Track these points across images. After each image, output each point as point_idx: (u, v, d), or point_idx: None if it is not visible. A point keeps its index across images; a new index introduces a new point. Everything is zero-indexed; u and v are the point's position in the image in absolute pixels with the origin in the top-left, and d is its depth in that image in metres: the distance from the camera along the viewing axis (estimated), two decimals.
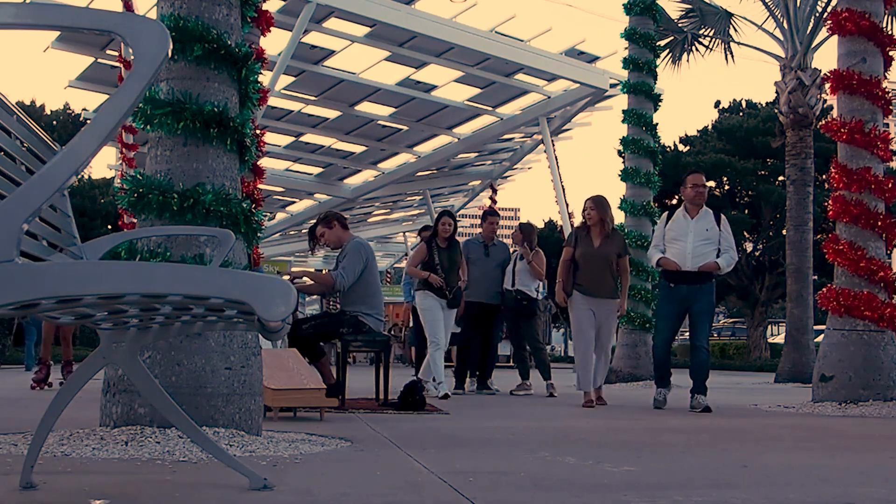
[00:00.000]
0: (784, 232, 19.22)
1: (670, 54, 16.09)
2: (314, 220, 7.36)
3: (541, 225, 37.62)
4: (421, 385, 6.73)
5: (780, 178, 25.81)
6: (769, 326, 32.83)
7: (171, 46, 2.21)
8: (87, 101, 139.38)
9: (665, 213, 7.44)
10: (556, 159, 21.04)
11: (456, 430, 4.99)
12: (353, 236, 7.07)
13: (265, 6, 6.78)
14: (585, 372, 7.56)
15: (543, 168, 22.17)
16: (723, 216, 7.30)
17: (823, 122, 8.28)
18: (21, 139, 2.49)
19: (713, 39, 16.18)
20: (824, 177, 19.74)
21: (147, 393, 2.71)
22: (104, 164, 28.87)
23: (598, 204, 7.74)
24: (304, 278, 7.50)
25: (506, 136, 22.76)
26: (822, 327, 7.66)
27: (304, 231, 30.59)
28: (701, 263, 6.95)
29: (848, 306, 7.06)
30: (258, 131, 6.20)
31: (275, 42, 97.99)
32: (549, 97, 20.21)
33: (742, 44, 16.13)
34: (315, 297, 22.19)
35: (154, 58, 1.87)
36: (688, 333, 7.91)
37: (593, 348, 7.62)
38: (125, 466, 3.16)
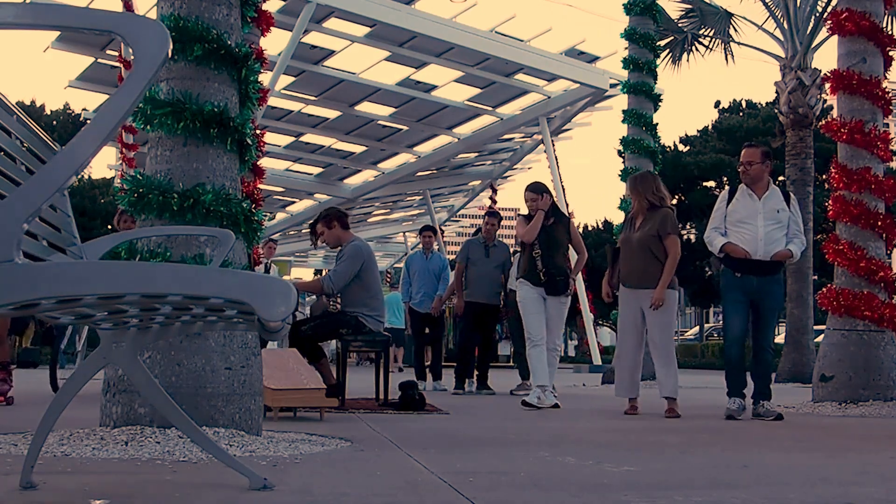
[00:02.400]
0: None
1: (670, 54, 16.11)
2: (318, 216, 7.34)
3: None
4: (416, 383, 6.74)
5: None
6: None
7: (171, 46, 2.21)
8: (87, 101, 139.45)
9: (726, 190, 6.53)
10: (556, 159, 21.06)
11: (456, 430, 4.98)
12: (353, 237, 7.05)
13: (265, 6, 6.79)
14: (620, 376, 6.67)
15: (543, 168, 22.26)
16: (792, 195, 6.44)
17: (823, 122, 8.28)
18: (21, 139, 2.49)
19: (713, 39, 16.19)
20: (824, 177, 19.76)
21: (147, 393, 2.71)
22: (104, 164, 28.93)
23: (633, 185, 6.72)
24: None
25: (506, 136, 22.78)
26: (822, 327, 7.66)
27: (304, 231, 30.64)
28: (773, 251, 6.15)
29: (848, 306, 7.06)
30: (258, 131, 6.20)
31: (275, 42, 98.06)
32: (549, 97, 20.22)
33: (742, 44, 16.15)
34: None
35: (154, 58, 1.87)
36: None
37: (636, 350, 6.58)
38: (125, 466, 3.16)
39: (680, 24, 16.16)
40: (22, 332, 18.93)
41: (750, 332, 6.33)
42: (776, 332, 6.39)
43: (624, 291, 6.60)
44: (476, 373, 9.68)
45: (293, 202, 28.30)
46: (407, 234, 35.78)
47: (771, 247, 6.14)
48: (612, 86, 18.40)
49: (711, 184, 31.90)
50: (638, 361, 6.61)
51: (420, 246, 10.82)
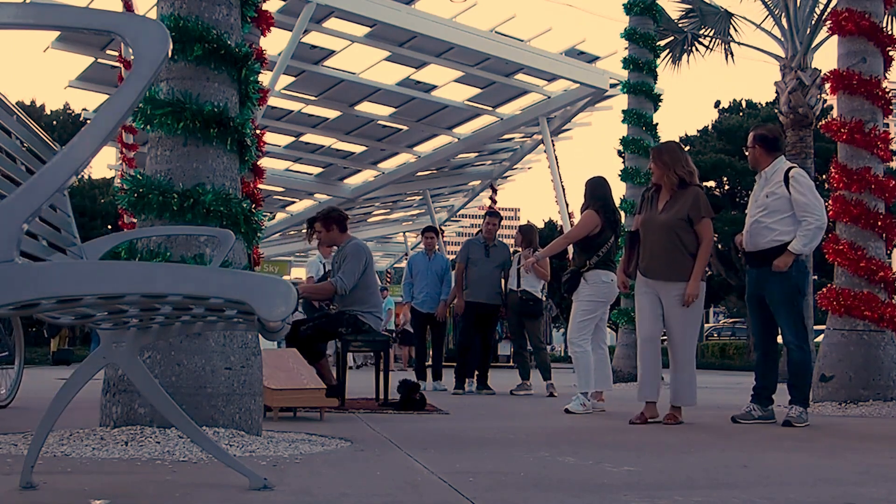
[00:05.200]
0: None
1: (670, 54, 16.09)
2: (318, 212, 7.46)
3: (541, 225, 37.65)
4: (416, 383, 6.74)
5: None
6: None
7: (171, 46, 2.21)
8: (87, 101, 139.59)
9: None
10: (556, 159, 21.07)
11: (456, 430, 4.98)
12: (350, 237, 7.12)
13: (265, 6, 6.79)
14: (642, 376, 5.76)
15: (543, 168, 22.22)
16: (795, 172, 5.64)
17: (823, 122, 8.28)
18: (21, 139, 2.49)
19: (713, 39, 16.17)
20: (824, 177, 19.77)
21: (147, 393, 2.71)
22: (104, 164, 28.98)
23: (657, 155, 5.83)
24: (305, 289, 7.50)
25: (506, 136, 22.79)
26: (822, 327, 7.66)
27: (304, 231, 30.61)
28: (759, 243, 5.65)
29: (848, 306, 7.06)
30: (258, 131, 6.20)
31: (275, 42, 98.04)
32: (549, 97, 20.23)
33: (742, 44, 16.13)
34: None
35: (154, 58, 1.87)
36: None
37: (658, 343, 5.77)
38: (125, 466, 3.16)
39: (680, 24, 16.15)
40: (57, 333, 20.13)
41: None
42: (776, 332, 6.01)
43: (641, 281, 5.75)
44: (476, 373, 9.68)
45: (293, 202, 28.30)
46: (407, 234, 35.78)
47: (755, 237, 5.68)
48: (612, 86, 18.40)
49: (711, 184, 31.92)
50: (660, 357, 5.81)
51: (421, 246, 10.81)
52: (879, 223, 7.16)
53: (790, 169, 5.70)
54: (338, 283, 6.81)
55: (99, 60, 16.23)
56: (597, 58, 18.90)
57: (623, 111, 12.90)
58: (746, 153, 5.98)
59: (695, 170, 5.81)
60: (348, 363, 14.15)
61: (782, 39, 15.68)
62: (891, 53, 7.57)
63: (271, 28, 7.04)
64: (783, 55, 15.72)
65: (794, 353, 5.76)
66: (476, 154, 24.75)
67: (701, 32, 16.18)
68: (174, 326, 2.70)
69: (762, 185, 5.78)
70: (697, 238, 5.58)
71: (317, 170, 24.69)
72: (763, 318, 5.85)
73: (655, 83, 12.97)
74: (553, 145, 21.12)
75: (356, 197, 25.71)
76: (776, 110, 20.33)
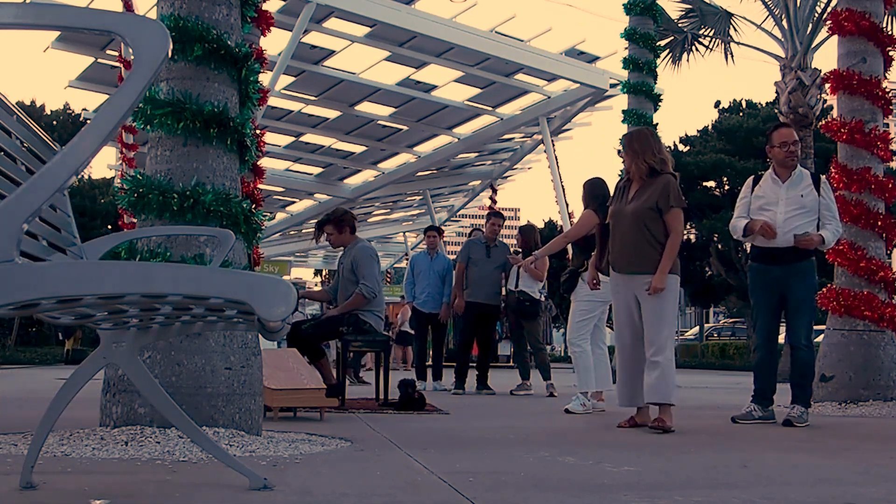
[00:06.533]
0: None
1: (670, 54, 16.10)
2: (325, 215, 7.53)
3: (541, 225, 37.65)
4: (414, 381, 6.75)
5: None
6: None
7: (171, 46, 2.21)
8: (87, 101, 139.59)
9: (750, 179, 6.13)
10: (556, 159, 21.07)
11: (456, 430, 4.98)
12: (357, 239, 7.19)
13: (265, 6, 6.79)
14: (620, 381, 5.42)
15: (543, 168, 22.21)
16: (823, 178, 5.97)
17: (823, 122, 8.27)
18: (21, 139, 2.49)
19: (713, 39, 16.18)
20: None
21: (147, 393, 2.71)
22: (104, 164, 28.98)
23: (627, 142, 5.58)
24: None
25: (506, 136, 22.78)
26: (822, 327, 7.67)
27: (304, 231, 30.62)
28: (795, 237, 5.67)
29: (848, 306, 7.07)
30: (258, 131, 6.20)
31: (275, 42, 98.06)
32: (549, 97, 20.22)
33: (742, 44, 16.14)
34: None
35: (154, 58, 1.87)
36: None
37: (637, 347, 5.32)
38: (125, 466, 3.16)
39: (680, 24, 16.15)
40: (72, 334, 20.97)
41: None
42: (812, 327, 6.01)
43: (614, 277, 5.45)
44: (476, 373, 9.69)
45: (293, 202, 28.29)
46: (407, 234, 35.78)
47: (789, 235, 5.68)
48: (612, 86, 18.39)
49: (711, 184, 31.90)
50: (641, 361, 5.34)
51: (422, 245, 10.82)
52: (879, 223, 7.16)
53: (818, 174, 5.96)
54: (364, 290, 6.86)
55: (99, 60, 16.23)
56: (597, 58, 18.89)
57: (623, 111, 12.88)
58: (793, 147, 5.84)
59: (668, 158, 5.46)
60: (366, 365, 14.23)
61: (782, 39, 15.69)
62: (891, 53, 7.57)
63: (271, 28, 7.05)
64: (783, 55, 15.74)
65: (803, 353, 5.76)
66: (476, 154, 24.75)
67: (701, 32, 16.19)
68: (174, 326, 2.70)
69: (791, 186, 5.80)
70: (667, 229, 5.27)
71: (317, 170, 24.68)
72: (773, 316, 5.86)
73: (655, 83, 12.95)
74: (553, 145, 21.11)
75: (356, 197, 25.70)
76: (776, 110, 20.33)
